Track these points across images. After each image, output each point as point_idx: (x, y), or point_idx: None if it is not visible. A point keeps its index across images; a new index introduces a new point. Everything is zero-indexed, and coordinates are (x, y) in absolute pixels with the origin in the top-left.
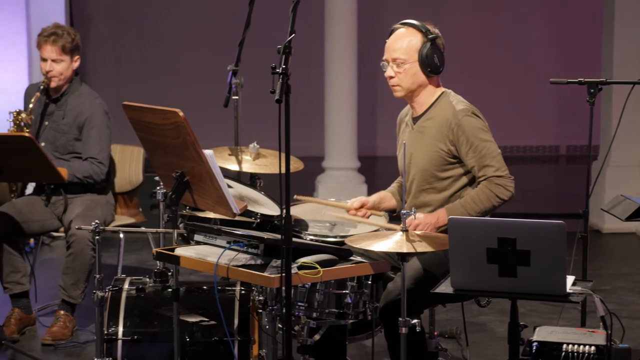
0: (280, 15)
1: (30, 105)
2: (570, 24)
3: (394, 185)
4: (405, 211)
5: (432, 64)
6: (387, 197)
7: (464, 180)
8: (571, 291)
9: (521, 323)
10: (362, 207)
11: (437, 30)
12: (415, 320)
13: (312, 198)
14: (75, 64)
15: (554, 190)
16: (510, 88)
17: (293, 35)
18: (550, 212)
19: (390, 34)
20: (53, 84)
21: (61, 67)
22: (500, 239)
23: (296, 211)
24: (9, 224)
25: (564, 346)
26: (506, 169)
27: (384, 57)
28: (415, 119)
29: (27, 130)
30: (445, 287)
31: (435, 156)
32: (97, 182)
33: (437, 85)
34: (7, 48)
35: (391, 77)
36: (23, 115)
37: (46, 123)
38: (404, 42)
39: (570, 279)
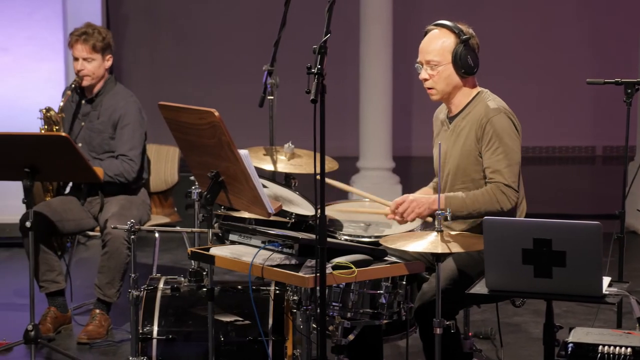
0: (315, 15)
1: (61, 104)
2: (606, 23)
3: (432, 185)
4: (440, 211)
5: (465, 65)
6: (429, 193)
7: None
8: (607, 292)
9: (556, 324)
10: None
11: (471, 30)
12: (450, 322)
13: (346, 186)
14: (108, 63)
15: (590, 191)
16: (546, 88)
17: (329, 35)
18: (587, 213)
19: (424, 35)
20: (85, 83)
21: (92, 66)
22: (535, 239)
23: (331, 211)
24: (44, 223)
25: (600, 348)
26: (516, 181)
27: (418, 59)
28: (450, 119)
29: (57, 128)
30: (480, 288)
31: (468, 155)
32: (128, 180)
33: (473, 86)
34: (43, 48)
35: (425, 80)
36: (52, 112)
37: (82, 123)
38: (437, 44)
39: (606, 280)
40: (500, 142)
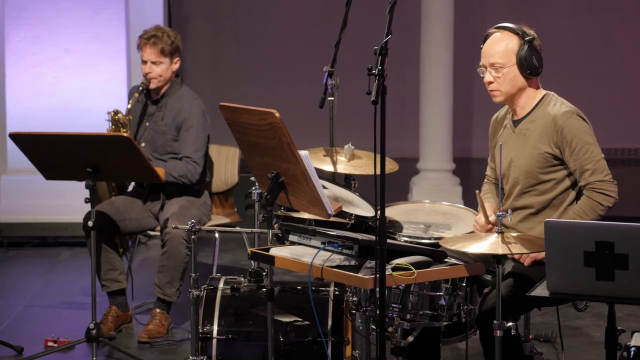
0: (376, 16)
1: (129, 106)
2: None
3: (487, 195)
4: (501, 213)
5: (531, 66)
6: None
7: (567, 182)
8: None
9: (619, 328)
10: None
11: (532, 32)
12: (510, 323)
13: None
14: (175, 66)
15: None
16: (611, 90)
17: (389, 36)
18: None
19: (485, 39)
20: (152, 86)
21: (160, 69)
22: (598, 242)
23: (391, 212)
24: (107, 222)
25: None
26: (608, 174)
27: (480, 63)
28: (516, 122)
29: (124, 130)
30: (541, 291)
31: (538, 158)
32: (191, 182)
33: (537, 87)
34: (106, 48)
35: (490, 83)
36: (120, 115)
37: (147, 124)
38: (501, 46)
39: None
40: (580, 142)
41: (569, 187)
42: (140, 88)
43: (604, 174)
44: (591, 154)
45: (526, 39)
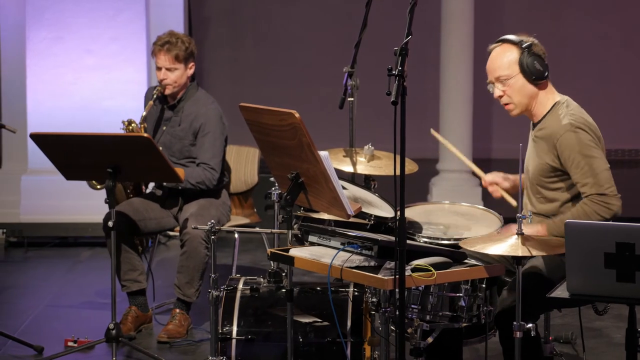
0: (396, 16)
1: (144, 114)
2: None
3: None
4: (520, 215)
5: (534, 71)
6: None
7: (574, 191)
8: None
9: (639, 330)
10: (494, 184)
11: (532, 38)
12: (530, 325)
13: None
14: (190, 71)
15: None
16: (628, 90)
17: (410, 36)
18: None
19: (489, 55)
20: (167, 92)
21: (175, 76)
22: (618, 243)
23: (410, 213)
24: (126, 222)
25: None
26: (610, 186)
27: (488, 80)
28: (533, 126)
29: None
30: (561, 292)
31: (543, 167)
32: (209, 188)
33: (550, 93)
34: (127, 49)
35: (500, 96)
36: (134, 125)
37: (164, 128)
38: (503, 59)
39: None
40: (578, 156)
41: (576, 196)
42: (155, 96)
43: (604, 187)
44: (590, 167)
45: (524, 46)
